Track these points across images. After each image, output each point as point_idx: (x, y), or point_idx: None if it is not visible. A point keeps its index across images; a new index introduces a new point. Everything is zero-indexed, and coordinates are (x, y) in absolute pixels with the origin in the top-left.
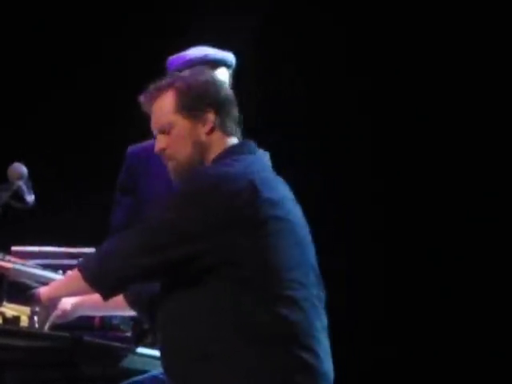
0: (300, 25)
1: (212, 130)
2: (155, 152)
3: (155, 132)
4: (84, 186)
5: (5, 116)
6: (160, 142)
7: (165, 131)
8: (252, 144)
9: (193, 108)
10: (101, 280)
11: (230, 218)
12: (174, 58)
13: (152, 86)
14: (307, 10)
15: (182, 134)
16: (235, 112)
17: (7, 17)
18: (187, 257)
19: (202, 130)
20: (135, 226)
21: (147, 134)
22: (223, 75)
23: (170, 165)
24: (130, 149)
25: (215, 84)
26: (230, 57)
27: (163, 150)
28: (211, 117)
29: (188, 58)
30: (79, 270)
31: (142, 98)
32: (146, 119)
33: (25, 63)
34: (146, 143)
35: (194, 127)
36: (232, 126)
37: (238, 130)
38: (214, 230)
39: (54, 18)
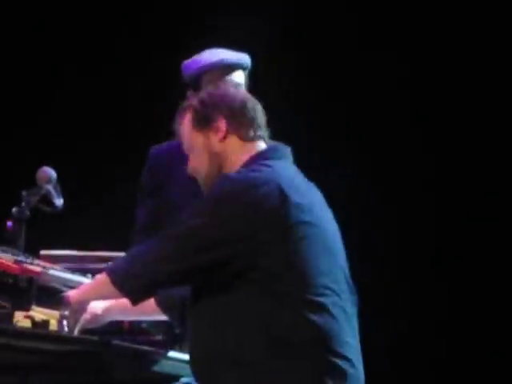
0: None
1: (225, 137)
2: (189, 173)
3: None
4: (112, 190)
5: (34, 120)
6: (190, 162)
7: (190, 151)
8: (281, 149)
9: (203, 120)
10: (129, 285)
11: (258, 223)
12: (189, 63)
13: (178, 112)
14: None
15: (199, 148)
16: (254, 116)
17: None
18: (215, 263)
19: (215, 139)
20: (164, 232)
21: (170, 135)
22: (239, 78)
23: (199, 181)
24: (153, 149)
25: (226, 92)
26: (245, 59)
27: (194, 169)
28: (222, 124)
29: (203, 63)
30: (107, 275)
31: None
32: (168, 120)
33: (51, 72)
34: (169, 144)
35: (207, 138)
36: (250, 130)
37: (263, 134)
38: (242, 236)
39: (67, 17)
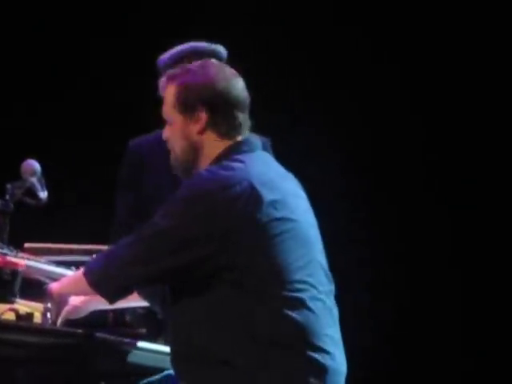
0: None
1: (204, 130)
2: (163, 138)
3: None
4: (96, 183)
5: (17, 112)
6: (165, 132)
7: (168, 122)
8: (253, 140)
9: (186, 105)
10: (104, 286)
11: (230, 223)
12: (163, 55)
13: (165, 75)
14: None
15: (177, 128)
16: (237, 113)
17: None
18: (188, 263)
19: (194, 129)
20: (137, 232)
21: (149, 127)
22: None
23: (171, 156)
24: (131, 142)
25: (214, 84)
26: (220, 48)
27: (167, 139)
28: (203, 116)
29: (175, 51)
30: (84, 275)
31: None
32: (148, 113)
33: (35, 61)
34: (147, 136)
35: (186, 124)
36: (231, 127)
37: (242, 132)
38: (214, 236)
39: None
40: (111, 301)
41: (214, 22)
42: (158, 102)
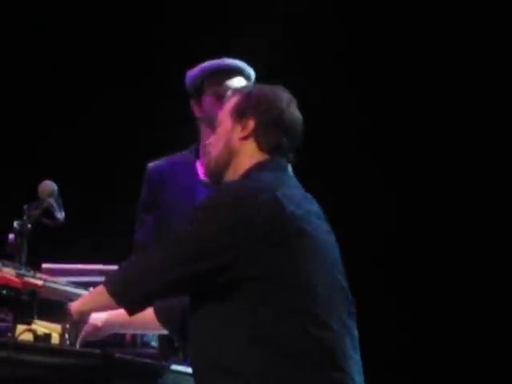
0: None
1: (246, 138)
2: (206, 144)
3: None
4: (113, 203)
5: (34, 134)
6: (211, 138)
7: (217, 127)
8: (282, 161)
9: (239, 111)
10: (125, 295)
11: (251, 234)
12: (191, 71)
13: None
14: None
15: (222, 131)
16: (283, 137)
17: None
18: (208, 272)
19: (238, 134)
20: (160, 242)
21: (168, 151)
22: (240, 83)
23: (205, 160)
24: (149, 166)
25: (275, 100)
26: (247, 67)
27: (208, 144)
28: (251, 125)
29: (204, 67)
30: (104, 285)
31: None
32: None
33: (54, 81)
34: (165, 159)
35: (233, 128)
36: (272, 146)
37: (281, 153)
38: (237, 245)
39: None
40: (131, 311)
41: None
42: (176, 122)
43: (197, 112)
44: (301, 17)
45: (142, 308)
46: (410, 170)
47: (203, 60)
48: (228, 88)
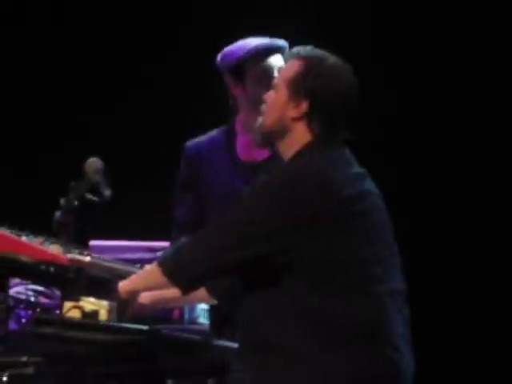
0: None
1: (298, 119)
2: (264, 100)
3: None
4: (161, 181)
5: (82, 111)
6: (268, 94)
7: (275, 88)
8: (334, 139)
9: (296, 88)
10: (179, 275)
11: (306, 216)
12: (231, 50)
13: (298, 48)
14: None
15: (277, 101)
16: (337, 124)
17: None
18: (262, 254)
19: (290, 112)
20: (214, 222)
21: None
22: (280, 61)
23: (259, 118)
24: (188, 144)
25: (332, 85)
26: (284, 42)
27: (264, 101)
28: (303, 107)
29: (246, 45)
30: (158, 265)
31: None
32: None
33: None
34: (202, 137)
35: (287, 103)
36: (321, 128)
37: (332, 140)
38: (290, 228)
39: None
40: (184, 291)
41: None
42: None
43: (238, 93)
44: None
45: (195, 288)
46: (409, 170)
47: (236, 36)
48: (272, 67)
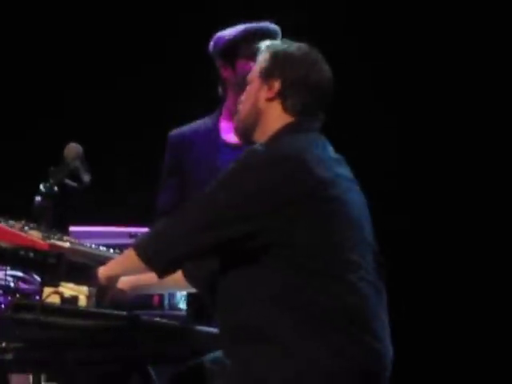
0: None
1: (272, 99)
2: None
3: None
4: (140, 166)
5: (60, 97)
6: (243, 94)
7: (248, 84)
8: (312, 122)
9: (267, 71)
10: (155, 258)
11: (281, 199)
12: (222, 34)
13: (267, 43)
14: None
15: (251, 91)
16: (309, 97)
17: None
18: (238, 236)
19: (264, 95)
20: (187, 205)
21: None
22: None
23: (235, 117)
24: (172, 133)
25: (300, 60)
26: (279, 30)
27: (239, 102)
28: (276, 86)
29: (237, 28)
30: (133, 249)
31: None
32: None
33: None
34: (186, 127)
35: (260, 88)
36: (295, 105)
37: (305, 112)
38: (266, 211)
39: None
40: (161, 274)
41: None
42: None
43: (227, 75)
44: None
45: (172, 271)
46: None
47: (228, 23)
48: (261, 48)
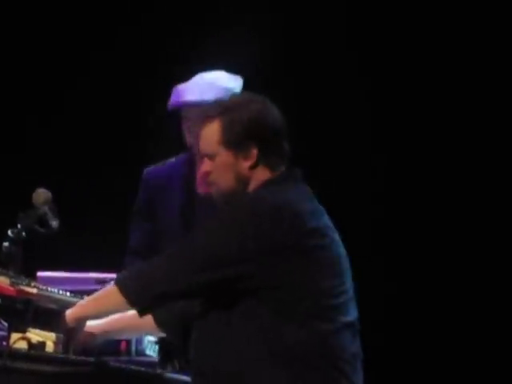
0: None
1: (255, 165)
2: (199, 174)
3: (201, 154)
4: (108, 212)
5: (29, 142)
6: (205, 165)
7: (209, 157)
8: (295, 174)
9: (236, 142)
10: (139, 296)
11: (269, 246)
12: (175, 93)
13: (203, 110)
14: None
15: (224, 164)
16: (282, 144)
17: None
18: (224, 280)
19: (245, 165)
20: (176, 246)
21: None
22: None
23: (212, 190)
24: (147, 170)
25: (262, 118)
26: (236, 88)
27: (207, 173)
28: (254, 152)
29: (182, 100)
30: (117, 285)
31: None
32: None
33: (44, 84)
34: (161, 164)
35: (236, 161)
36: (277, 159)
37: (285, 160)
38: (253, 256)
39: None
40: (142, 312)
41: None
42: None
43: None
44: None
45: (153, 309)
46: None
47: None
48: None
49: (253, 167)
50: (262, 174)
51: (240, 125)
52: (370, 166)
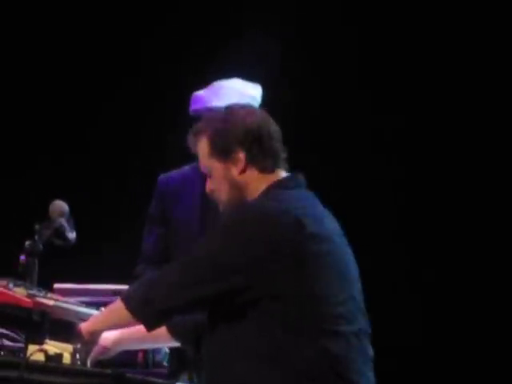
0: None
1: (244, 170)
2: (208, 193)
3: (204, 173)
4: (124, 223)
5: (46, 154)
6: (208, 184)
7: (209, 174)
8: (299, 178)
9: (223, 150)
10: (145, 310)
11: (272, 254)
12: (196, 98)
13: (191, 132)
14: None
15: (219, 176)
16: (273, 146)
17: None
18: (229, 290)
19: (235, 171)
20: (180, 258)
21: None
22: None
23: (219, 204)
24: (161, 177)
25: (243, 121)
26: (256, 95)
27: (212, 191)
28: (241, 156)
29: (204, 106)
30: (122, 301)
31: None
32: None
33: (63, 103)
34: (176, 171)
35: (226, 168)
36: (269, 160)
37: (281, 163)
38: (256, 265)
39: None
40: (150, 327)
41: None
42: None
43: None
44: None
45: (160, 324)
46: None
47: None
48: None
49: (243, 171)
50: (255, 178)
51: (224, 132)
52: (371, 167)
